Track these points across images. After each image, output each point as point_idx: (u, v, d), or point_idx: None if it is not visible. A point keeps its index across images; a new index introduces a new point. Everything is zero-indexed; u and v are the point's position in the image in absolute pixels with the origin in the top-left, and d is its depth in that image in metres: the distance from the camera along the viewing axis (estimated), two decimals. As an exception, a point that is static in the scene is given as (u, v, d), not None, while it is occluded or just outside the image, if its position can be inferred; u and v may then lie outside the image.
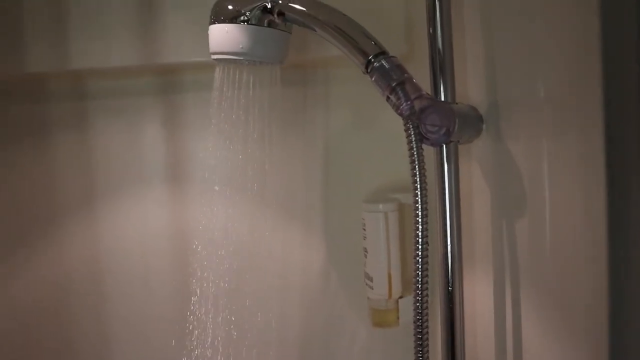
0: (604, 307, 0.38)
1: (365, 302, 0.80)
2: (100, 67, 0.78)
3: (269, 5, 0.54)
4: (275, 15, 0.54)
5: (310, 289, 0.86)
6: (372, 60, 0.48)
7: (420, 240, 0.47)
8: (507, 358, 0.53)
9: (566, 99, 0.42)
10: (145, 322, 0.87)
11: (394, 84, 0.47)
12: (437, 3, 0.52)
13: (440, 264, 0.53)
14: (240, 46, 0.54)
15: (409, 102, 0.46)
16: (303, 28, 0.54)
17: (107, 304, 0.87)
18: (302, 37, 0.59)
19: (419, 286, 0.48)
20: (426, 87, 0.51)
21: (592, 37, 0.37)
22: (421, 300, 0.48)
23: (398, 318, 0.77)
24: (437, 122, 0.46)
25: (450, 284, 0.53)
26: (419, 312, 0.48)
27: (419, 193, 0.46)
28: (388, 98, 0.48)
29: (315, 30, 0.53)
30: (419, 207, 0.47)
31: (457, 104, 0.53)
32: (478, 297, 0.59)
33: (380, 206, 0.75)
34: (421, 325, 0.48)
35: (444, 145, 0.51)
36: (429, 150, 0.49)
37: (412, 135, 0.46)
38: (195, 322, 0.68)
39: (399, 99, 0.47)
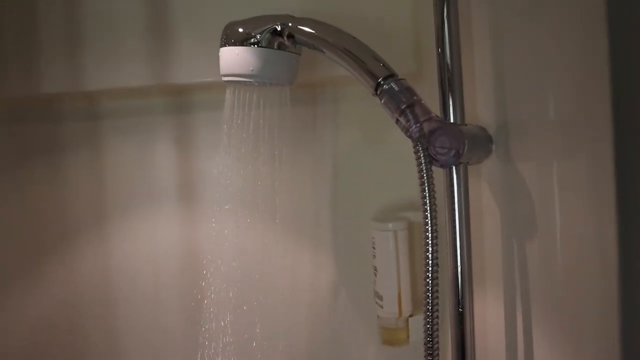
0: (615, 328, 0.37)
1: (375, 320, 0.79)
2: (113, 88, 0.79)
3: (278, 28, 0.54)
4: (285, 38, 0.55)
5: (319, 307, 0.86)
6: (382, 82, 0.49)
7: (430, 261, 0.47)
8: (519, 379, 0.53)
9: (576, 120, 0.42)
10: (155, 339, 0.87)
11: (403, 107, 0.47)
12: (445, 23, 0.53)
13: (450, 284, 0.53)
14: (251, 68, 0.55)
15: (418, 125, 0.47)
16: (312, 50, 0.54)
17: (117, 321, 0.87)
18: (312, 57, 0.60)
19: (429, 307, 0.47)
20: (435, 107, 0.52)
21: (601, 57, 0.37)
22: (431, 321, 0.48)
23: (408, 337, 0.77)
24: (447, 144, 0.46)
25: (460, 304, 0.53)
26: (429, 332, 0.48)
27: (428, 215, 0.46)
28: (397, 120, 0.48)
29: (324, 53, 0.53)
30: (429, 228, 0.47)
31: (466, 125, 0.53)
32: (489, 317, 0.58)
33: (390, 225, 0.75)
34: (432, 347, 0.48)
35: (454, 167, 0.51)
36: (438, 171, 0.49)
37: (422, 157, 0.47)
38: (205, 340, 0.68)
39: (408, 121, 0.47)
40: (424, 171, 0.47)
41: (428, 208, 0.47)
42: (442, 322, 0.53)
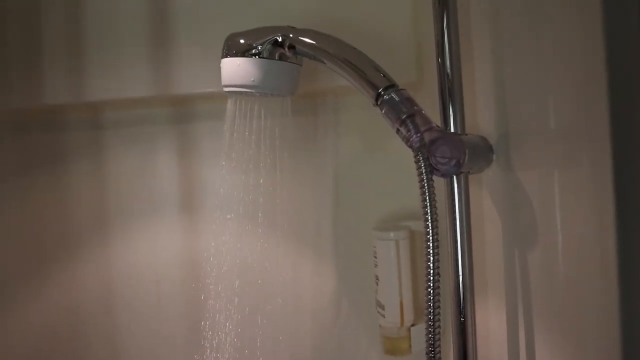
0: (617, 338, 0.37)
1: (377, 329, 0.79)
2: (115, 99, 0.80)
3: (279, 39, 0.55)
4: (286, 49, 0.55)
5: (321, 316, 0.86)
6: (382, 93, 0.49)
7: (431, 271, 0.47)
8: (521, 389, 0.53)
9: (576, 128, 0.42)
10: (157, 347, 0.87)
11: (403, 117, 0.48)
12: (445, 33, 0.53)
13: (452, 293, 0.53)
14: (252, 79, 0.55)
15: (419, 134, 0.47)
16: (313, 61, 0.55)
17: (119, 329, 0.87)
18: (312, 68, 0.60)
19: (431, 316, 0.47)
20: (436, 117, 0.52)
21: (600, 65, 0.37)
22: (433, 330, 0.48)
23: (410, 346, 0.76)
24: (447, 154, 0.46)
25: (462, 313, 0.53)
26: (431, 342, 0.48)
27: (429, 224, 0.47)
28: (398, 130, 0.48)
29: (325, 63, 0.53)
30: (430, 238, 0.47)
31: (467, 134, 0.53)
32: (491, 325, 0.58)
33: (392, 234, 0.75)
34: (434, 357, 0.48)
35: (454, 176, 0.52)
36: (439, 180, 0.49)
37: (423, 167, 0.47)
38: (206, 349, 0.68)
39: (408, 131, 0.47)
40: (425, 181, 0.47)
41: (429, 217, 0.47)
42: (444, 331, 0.53)
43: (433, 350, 0.48)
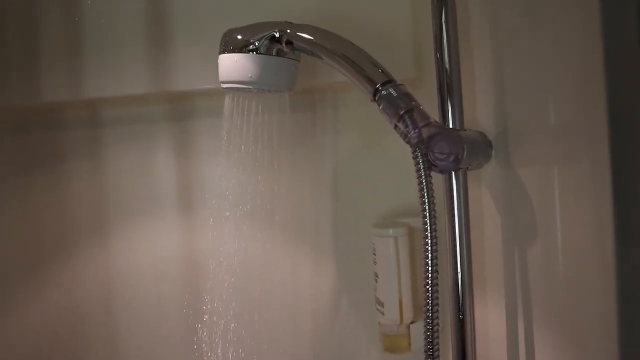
0: (615, 335, 0.37)
1: (376, 326, 0.79)
2: (114, 96, 0.80)
3: (277, 35, 0.54)
4: (284, 45, 0.55)
5: (320, 314, 0.85)
6: (380, 88, 0.49)
7: (430, 268, 0.46)
8: (520, 387, 0.52)
9: (576, 124, 0.42)
10: (156, 346, 0.87)
11: (401, 112, 0.47)
12: (444, 29, 0.53)
13: (450, 291, 0.53)
14: (250, 75, 0.55)
15: (416, 130, 0.47)
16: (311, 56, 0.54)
17: (119, 328, 0.87)
18: (311, 63, 0.60)
19: (430, 314, 0.47)
20: (434, 113, 0.51)
21: (599, 62, 0.37)
22: (432, 328, 0.47)
23: (410, 343, 0.76)
24: (446, 150, 0.46)
25: (461, 311, 0.53)
26: (429, 339, 0.48)
27: (428, 221, 0.46)
28: (396, 126, 0.48)
29: (323, 59, 0.53)
30: (429, 234, 0.46)
31: (465, 130, 0.53)
32: (490, 323, 0.58)
33: (391, 231, 0.75)
34: (432, 354, 0.48)
35: (453, 172, 0.51)
36: (438, 177, 0.49)
37: (421, 163, 0.46)
38: (205, 347, 0.68)
39: (406, 126, 0.47)
40: (423, 177, 0.46)
41: (427, 214, 0.46)
42: (443, 328, 0.53)
43: (432, 348, 0.48)
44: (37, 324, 0.87)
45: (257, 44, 0.55)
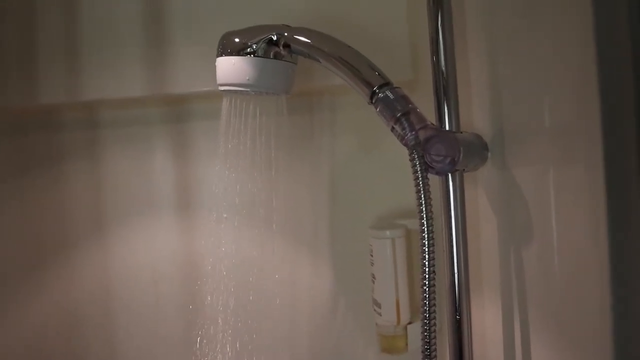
0: (610, 334, 0.37)
1: (373, 327, 0.79)
2: (111, 98, 0.80)
3: (274, 38, 0.55)
4: (281, 47, 0.55)
5: (318, 315, 0.86)
6: (377, 91, 0.49)
7: (427, 269, 0.47)
8: (517, 387, 0.53)
9: (571, 126, 0.42)
10: (154, 347, 0.87)
11: (398, 115, 0.48)
12: (440, 31, 0.53)
13: (447, 292, 0.53)
14: (247, 78, 0.55)
15: (413, 132, 0.47)
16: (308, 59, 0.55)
17: (117, 329, 0.87)
18: (308, 66, 0.60)
19: (427, 315, 0.48)
20: (431, 115, 0.52)
21: (592, 64, 0.37)
22: (429, 328, 0.48)
23: (407, 344, 0.77)
24: (442, 152, 0.46)
25: (458, 311, 0.53)
26: (427, 340, 0.48)
27: (425, 223, 0.47)
28: (393, 128, 0.48)
29: (320, 62, 0.53)
30: (425, 236, 0.47)
31: (461, 132, 0.53)
32: (487, 323, 0.58)
33: (388, 232, 0.75)
34: (429, 355, 0.48)
35: (449, 174, 0.52)
36: (435, 179, 0.49)
37: (418, 165, 0.47)
38: (204, 348, 0.68)
39: (403, 129, 0.47)
40: (420, 179, 0.47)
41: (424, 215, 0.47)
42: (440, 329, 0.53)
43: (429, 349, 0.48)
44: (35, 325, 0.87)
45: (254, 46, 0.55)
